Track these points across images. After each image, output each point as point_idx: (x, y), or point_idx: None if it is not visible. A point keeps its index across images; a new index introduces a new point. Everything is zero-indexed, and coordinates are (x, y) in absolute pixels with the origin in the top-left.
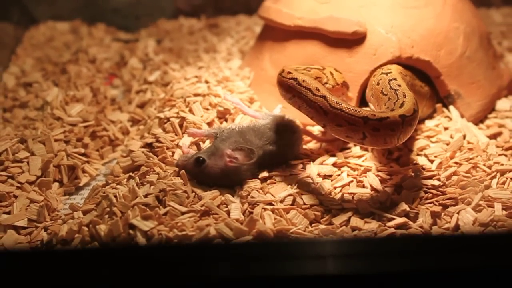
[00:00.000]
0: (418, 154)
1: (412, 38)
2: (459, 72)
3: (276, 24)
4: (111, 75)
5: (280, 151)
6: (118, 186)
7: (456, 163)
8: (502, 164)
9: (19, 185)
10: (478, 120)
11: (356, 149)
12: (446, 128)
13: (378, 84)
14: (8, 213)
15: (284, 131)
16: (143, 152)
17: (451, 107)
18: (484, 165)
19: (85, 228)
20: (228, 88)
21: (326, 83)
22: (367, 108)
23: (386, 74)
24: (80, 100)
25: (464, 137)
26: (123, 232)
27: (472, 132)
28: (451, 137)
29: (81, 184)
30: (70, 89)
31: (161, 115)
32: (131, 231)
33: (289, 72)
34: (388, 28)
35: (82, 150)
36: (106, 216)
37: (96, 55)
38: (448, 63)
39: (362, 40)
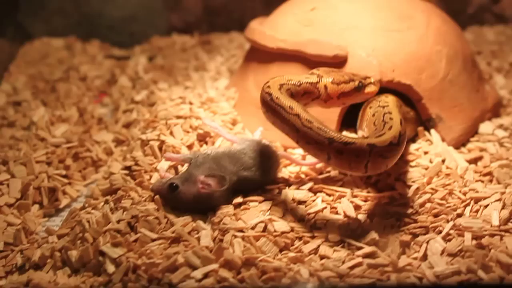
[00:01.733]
0: (396, 179)
1: (393, 61)
2: (440, 95)
3: (260, 46)
4: (102, 93)
5: (255, 176)
6: (92, 211)
7: (432, 189)
8: (477, 192)
9: None
10: (460, 143)
11: (334, 173)
12: (426, 152)
13: (373, 115)
14: None
15: (260, 156)
16: (121, 175)
17: (432, 131)
18: (460, 191)
19: (58, 253)
20: (211, 110)
21: (317, 97)
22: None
23: (383, 107)
24: (66, 120)
25: (444, 161)
26: (93, 259)
27: (452, 156)
28: (430, 162)
29: (61, 206)
30: (57, 108)
31: (143, 136)
32: (100, 258)
33: (268, 86)
34: (369, 51)
35: (64, 172)
36: (79, 241)
37: (87, 73)
38: (429, 87)
39: (343, 63)
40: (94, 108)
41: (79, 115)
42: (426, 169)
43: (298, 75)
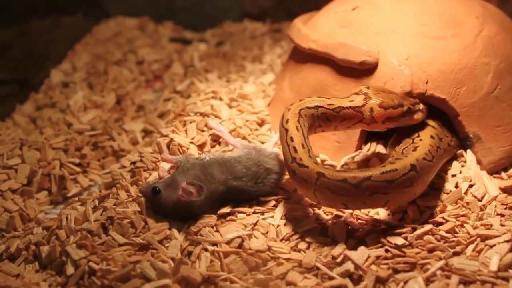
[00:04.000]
0: (409, 202)
1: (428, 72)
2: (482, 113)
3: (296, 45)
4: (156, 78)
5: (247, 186)
6: (78, 207)
7: (443, 218)
8: (489, 228)
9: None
10: (500, 167)
11: None
12: (453, 175)
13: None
14: None
15: (257, 166)
16: (120, 171)
17: (468, 151)
18: (472, 226)
19: (33, 247)
20: (238, 108)
21: (360, 121)
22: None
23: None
24: (100, 106)
25: (472, 186)
26: (58, 257)
27: (483, 182)
28: (456, 187)
29: (69, 195)
30: (97, 93)
31: (163, 130)
32: (64, 258)
33: (301, 99)
34: (403, 59)
35: (77, 160)
36: (54, 237)
37: (145, 57)
38: (468, 103)
39: (372, 70)
40: (138, 94)
41: (116, 102)
42: (447, 193)
43: (343, 98)
